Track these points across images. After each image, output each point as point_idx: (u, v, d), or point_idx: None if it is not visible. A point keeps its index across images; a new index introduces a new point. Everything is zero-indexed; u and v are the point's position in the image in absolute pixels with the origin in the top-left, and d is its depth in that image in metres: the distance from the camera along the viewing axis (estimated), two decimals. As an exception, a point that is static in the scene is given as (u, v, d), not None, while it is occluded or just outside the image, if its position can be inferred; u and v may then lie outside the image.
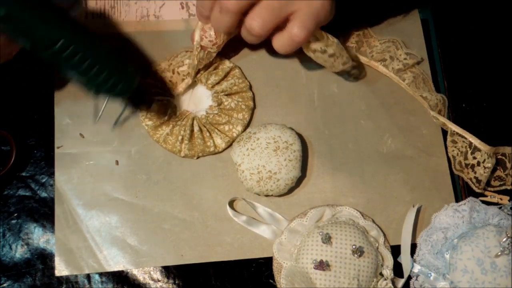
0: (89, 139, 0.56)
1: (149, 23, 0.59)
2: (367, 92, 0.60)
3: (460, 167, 0.57)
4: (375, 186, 0.57)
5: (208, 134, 0.56)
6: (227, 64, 0.57)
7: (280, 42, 0.50)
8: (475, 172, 0.55)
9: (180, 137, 0.55)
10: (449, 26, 0.62)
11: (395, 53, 0.59)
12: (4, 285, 0.53)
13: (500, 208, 0.55)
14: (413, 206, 0.56)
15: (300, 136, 0.56)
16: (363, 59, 0.60)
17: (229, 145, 0.56)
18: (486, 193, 0.57)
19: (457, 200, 0.57)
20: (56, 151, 0.56)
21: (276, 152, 0.53)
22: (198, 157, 0.56)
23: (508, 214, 0.55)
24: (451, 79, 0.60)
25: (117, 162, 0.56)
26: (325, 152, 0.58)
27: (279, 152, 0.53)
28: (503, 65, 0.61)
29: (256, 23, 0.48)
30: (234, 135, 0.56)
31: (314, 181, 0.57)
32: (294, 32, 0.49)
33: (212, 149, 0.56)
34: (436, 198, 0.57)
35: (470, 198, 0.55)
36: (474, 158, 0.55)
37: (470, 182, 0.56)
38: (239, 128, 0.56)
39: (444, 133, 0.59)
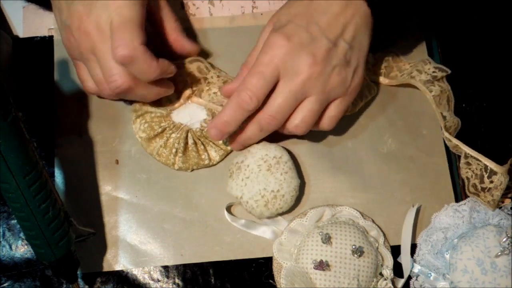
0: (90, 138, 0.56)
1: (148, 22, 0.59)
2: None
3: (475, 190, 0.55)
4: (375, 186, 0.57)
5: (202, 147, 0.56)
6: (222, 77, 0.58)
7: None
8: (492, 195, 0.54)
9: (174, 150, 0.55)
10: (449, 26, 0.62)
11: (423, 68, 0.59)
12: (5, 285, 0.53)
13: (500, 208, 0.55)
14: (413, 206, 0.56)
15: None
16: (391, 82, 0.59)
17: (224, 157, 0.56)
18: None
19: (457, 200, 0.57)
20: (56, 151, 0.56)
21: (270, 171, 0.53)
22: (192, 170, 0.56)
23: (508, 214, 0.55)
24: (451, 79, 0.60)
25: (117, 162, 0.56)
26: (324, 152, 0.58)
27: (273, 170, 0.53)
28: (503, 65, 0.61)
29: (300, 129, 0.51)
30: (229, 148, 0.56)
31: (314, 181, 0.57)
32: (324, 127, 0.53)
33: (207, 162, 0.56)
34: (436, 198, 0.57)
35: (470, 198, 0.55)
36: (492, 182, 0.54)
37: (487, 205, 0.55)
38: None
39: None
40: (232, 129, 0.51)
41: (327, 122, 0.52)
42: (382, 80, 0.59)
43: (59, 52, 0.58)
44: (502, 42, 0.62)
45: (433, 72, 0.58)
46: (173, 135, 0.55)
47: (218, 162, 0.56)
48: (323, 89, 0.49)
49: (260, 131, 0.51)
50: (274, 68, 0.48)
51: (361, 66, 0.52)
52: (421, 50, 0.61)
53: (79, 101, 0.57)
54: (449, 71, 0.59)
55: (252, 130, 0.52)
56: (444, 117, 0.57)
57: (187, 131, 0.56)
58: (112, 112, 0.57)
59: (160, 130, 0.55)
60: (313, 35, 0.49)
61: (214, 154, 0.56)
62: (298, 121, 0.50)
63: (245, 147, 0.54)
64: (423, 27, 0.61)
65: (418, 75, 0.58)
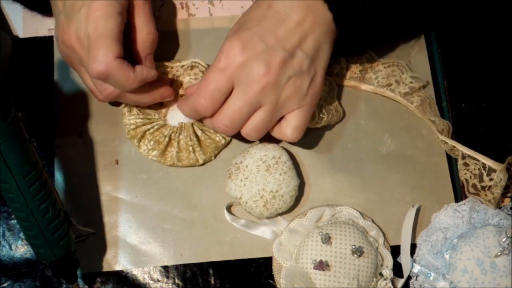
0: (89, 138, 0.56)
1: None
2: (367, 92, 0.59)
3: (475, 190, 0.55)
4: (375, 186, 0.57)
5: (212, 131, 0.56)
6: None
7: (274, 134, 0.52)
8: (493, 193, 0.54)
9: (190, 148, 0.55)
10: (449, 26, 0.62)
11: (401, 77, 0.58)
12: (4, 285, 0.53)
13: (500, 208, 0.55)
14: (413, 206, 0.56)
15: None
16: (368, 87, 0.59)
17: None
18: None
19: (457, 200, 0.57)
20: (56, 151, 0.56)
21: (269, 171, 0.53)
22: (215, 156, 0.56)
23: (508, 214, 0.55)
24: (451, 79, 0.60)
25: (117, 162, 0.56)
26: (324, 152, 0.58)
27: (271, 170, 0.53)
28: (503, 65, 0.61)
29: (250, 136, 0.51)
30: None
31: (314, 181, 0.57)
32: (287, 136, 0.51)
33: (223, 141, 0.56)
34: (436, 198, 0.57)
35: (470, 198, 0.55)
36: (491, 179, 0.54)
37: (488, 204, 0.55)
38: None
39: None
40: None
41: (291, 133, 0.51)
42: (358, 85, 0.59)
43: (59, 52, 0.58)
44: (502, 42, 0.62)
45: (410, 82, 0.58)
46: (181, 136, 0.55)
47: (232, 137, 0.57)
48: (277, 99, 0.49)
49: (212, 128, 0.51)
50: (229, 76, 0.48)
51: (319, 74, 0.51)
52: (421, 50, 0.61)
53: (79, 101, 0.57)
54: (426, 83, 0.59)
55: (208, 126, 0.52)
56: (433, 122, 0.57)
57: (192, 126, 0.56)
58: (112, 112, 0.57)
59: (166, 139, 0.55)
60: (268, 45, 0.48)
61: None
62: (249, 130, 0.50)
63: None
64: (409, 29, 0.60)
65: (396, 87, 0.58)
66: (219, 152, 0.57)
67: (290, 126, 0.51)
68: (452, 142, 0.56)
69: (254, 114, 0.50)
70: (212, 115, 0.50)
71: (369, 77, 0.59)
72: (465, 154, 0.55)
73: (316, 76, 0.51)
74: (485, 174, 0.54)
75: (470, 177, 0.55)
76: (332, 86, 0.58)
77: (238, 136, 0.57)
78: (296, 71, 0.49)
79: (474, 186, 0.55)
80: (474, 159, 0.55)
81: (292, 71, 0.49)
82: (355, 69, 0.59)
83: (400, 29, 0.58)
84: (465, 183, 0.56)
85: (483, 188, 0.55)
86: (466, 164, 0.56)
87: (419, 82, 0.58)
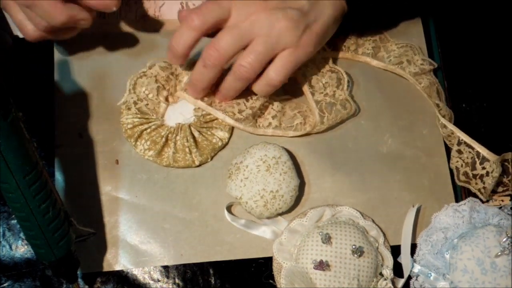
0: (89, 138, 0.56)
1: (149, 22, 0.59)
2: (367, 92, 0.60)
3: (466, 178, 0.56)
4: (375, 186, 0.57)
5: (209, 133, 0.56)
6: None
7: (258, 86, 0.53)
8: (483, 183, 0.54)
9: (187, 149, 0.55)
10: (450, 26, 0.62)
11: (412, 58, 0.59)
12: (4, 285, 0.53)
13: (500, 208, 0.55)
14: (413, 206, 0.56)
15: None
16: (379, 64, 0.59)
17: (231, 132, 0.57)
18: (494, 202, 0.56)
19: (457, 200, 0.57)
20: (56, 151, 0.56)
21: (269, 171, 0.53)
22: (212, 158, 0.56)
23: (508, 214, 0.55)
24: (451, 79, 0.60)
25: (117, 162, 0.56)
26: (325, 152, 0.58)
27: (272, 170, 0.53)
28: (503, 65, 0.61)
29: (244, 68, 0.50)
30: (231, 121, 0.56)
31: (314, 181, 0.57)
32: (271, 77, 0.51)
33: (220, 143, 0.56)
34: (436, 198, 0.57)
35: (470, 198, 0.55)
36: (483, 168, 0.54)
37: (478, 193, 0.55)
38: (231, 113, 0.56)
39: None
40: (182, 50, 0.51)
41: (273, 71, 0.51)
42: (370, 61, 0.60)
43: (59, 52, 0.58)
44: (502, 42, 0.62)
45: (421, 64, 0.59)
46: (178, 137, 0.55)
47: (229, 139, 0.57)
48: (270, 31, 0.49)
49: (204, 66, 0.51)
50: (226, 5, 0.50)
51: (318, 25, 0.51)
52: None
53: (79, 101, 0.57)
54: (436, 65, 0.60)
55: (198, 68, 0.52)
56: (437, 105, 0.58)
57: (189, 127, 0.56)
58: (112, 112, 0.57)
59: (163, 140, 0.55)
60: None
61: (222, 133, 0.56)
62: (242, 61, 0.50)
63: (225, 96, 0.55)
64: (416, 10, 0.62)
65: (407, 66, 0.59)
66: (215, 154, 0.57)
67: (275, 65, 0.51)
68: (451, 126, 0.56)
69: (247, 47, 0.50)
70: (203, 34, 0.51)
71: (381, 55, 0.60)
72: (461, 140, 0.56)
73: (314, 25, 0.51)
74: (478, 162, 0.55)
75: (462, 165, 0.56)
76: (340, 79, 0.58)
77: (238, 136, 0.57)
78: (293, 6, 0.50)
79: (465, 174, 0.56)
80: (470, 146, 0.55)
81: (289, 5, 0.50)
82: (368, 45, 0.60)
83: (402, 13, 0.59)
84: (455, 171, 0.56)
85: (474, 176, 0.55)
86: (459, 152, 0.56)
87: (429, 65, 0.59)
